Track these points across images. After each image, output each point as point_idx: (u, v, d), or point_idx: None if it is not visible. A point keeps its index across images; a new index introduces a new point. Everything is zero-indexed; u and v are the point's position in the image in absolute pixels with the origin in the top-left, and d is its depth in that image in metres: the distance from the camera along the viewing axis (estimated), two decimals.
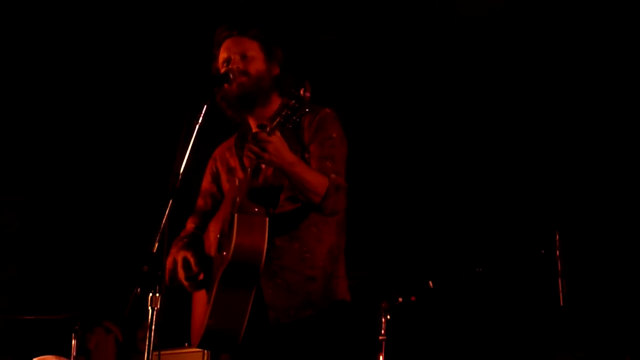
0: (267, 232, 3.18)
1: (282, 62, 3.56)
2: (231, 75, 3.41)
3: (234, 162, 3.60)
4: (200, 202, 3.72)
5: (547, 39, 6.19)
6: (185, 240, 3.59)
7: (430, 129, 6.44)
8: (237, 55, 3.47)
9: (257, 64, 3.49)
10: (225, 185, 3.61)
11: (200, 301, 3.45)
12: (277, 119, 3.05)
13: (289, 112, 3.03)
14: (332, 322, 3.39)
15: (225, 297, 3.24)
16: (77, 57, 6.84)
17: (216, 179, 3.68)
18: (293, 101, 3.02)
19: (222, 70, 3.49)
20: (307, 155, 3.39)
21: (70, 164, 7.09)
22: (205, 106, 3.24)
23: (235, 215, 3.19)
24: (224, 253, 3.25)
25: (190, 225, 3.70)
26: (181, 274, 3.40)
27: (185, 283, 3.41)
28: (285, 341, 3.32)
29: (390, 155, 6.50)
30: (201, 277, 3.40)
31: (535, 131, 6.17)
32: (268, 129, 3.06)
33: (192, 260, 3.39)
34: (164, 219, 3.06)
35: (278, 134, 3.08)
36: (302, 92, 3.01)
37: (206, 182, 3.71)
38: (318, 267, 3.39)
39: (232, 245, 3.15)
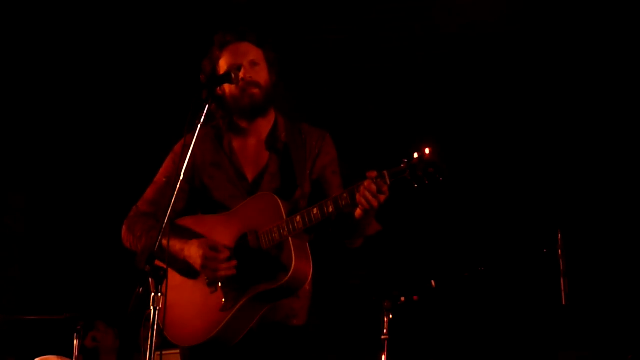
0: (311, 258, 3.29)
1: (277, 68, 3.57)
2: (233, 75, 3.39)
3: (218, 157, 3.55)
4: (161, 183, 3.59)
5: (547, 39, 6.19)
6: (170, 226, 3.37)
7: (433, 128, 6.43)
8: (247, 63, 3.46)
9: (265, 73, 3.49)
10: (205, 179, 3.52)
11: (192, 301, 3.39)
12: (403, 176, 3.06)
13: (420, 174, 3.03)
14: (307, 336, 3.45)
15: (248, 309, 3.29)
16: (77, 58, 6.84)
17: (190, 169, 3.54)
18: (432, 169, 3.01)
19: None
20: (313, 170, 3.48)
21: (72, 164, 7.08)
22: (207, 106, 3.24)
23: (290, 239, 3.24)
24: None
25: (149, 208, 3.58)
26: (223, 265, 3.33)
27: (223, 273, 3.32)
28: (266, 348, 3.36)
29: (391, 153, 6.49)
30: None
31: (537, 130, 6.17)
32: (388, 181, 3.08)
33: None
34: (166, 218, 3.05)
35: None
36: (439, 163, 3.00)
37: (173, 170, 3.54)
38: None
39: (291, 271, 3.20)
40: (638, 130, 5.92)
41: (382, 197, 3.10)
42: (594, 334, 5.65)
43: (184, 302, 3.39)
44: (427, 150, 3.04)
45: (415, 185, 3.04)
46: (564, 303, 4.49)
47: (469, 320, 6.05)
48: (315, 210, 3.21)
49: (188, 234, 3.46)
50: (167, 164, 3.62)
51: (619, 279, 5.75)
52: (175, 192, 3.09)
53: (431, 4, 6.47)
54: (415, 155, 3.07)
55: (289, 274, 3.20)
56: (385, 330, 4.69)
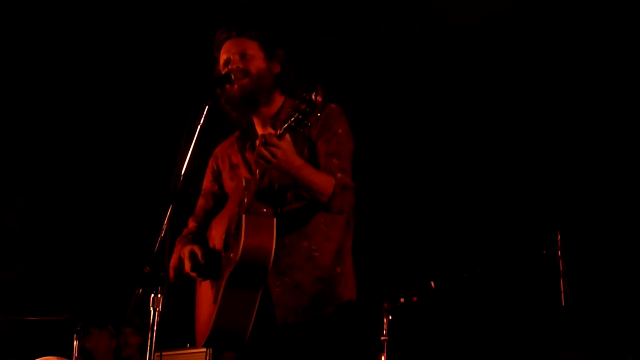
0: (275, 233, 3.19)
1: (283, 60, 3.55)
2: (233, 76, 3.41)
3: (236, 159, 3.59)
4: (201, 201, 3.72)
5: (547, 40, 6.19)
6: (189, 237, 3.61)
7: (432, 129, 6.43)
8: (236, 55, 3.47)
9: (257, 62, 3.48)
10: (228, 182, 3.61)
11: (205, 300, 3.45)
12: (288, 123, 3.01)
13: (300, 117, 2.98)
14: (340, 322, 3.38)
15: (232, 297, 3.24)
16: (77, 59, 6.84)
17: (217, 177, 3.67)
18: (304, 105, 2.97)
19: (224, 72, 3.49)
20: (314, 150, 3.40)
21: (71, 165, 7.09)
22: (207, 107, 3.24)
23: (243, 216, 3.19)
24: (231, 254, 3.25)
25: (192, 224, 3.70)
26: (188, 265, 3.40)
27: (192, 274, 3.41)
28: (291, 340, 3.31)
29: (392, 155, 6.50)
30: (207, 269, 3.41)
31: (536, 131, 6.17)
32: (278, 132, 3.06)
33: (199, 252, 3.40)
34: (166, 220, 3.06)
35: (287, 138, 3.07)
36: (313, 96, 2.97)
37: (207, 181, 3.71)
38: (327, 266, 3.38)
39: (241, 247, 3.14)
40: (637, 131, 5.92)
41: (276, 151, 3.05)
42: (594, 335, 5.65)
43: (203, 302, 3.47)
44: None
45: (308, 123, 3.00)
46: (563, 304, 4.49)
47: (469, 322, 6.05)
48: (251, 180, 3.23)
49: (196, 237, 3.60)
50: (208, 169, 3.71)
51: (619, 280, 5.74)
52: (176, 191, 3.11)
53: (431, 5, 6.47)
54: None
55: (239, 253, 3.15)
56: (384, 332, 4.68)
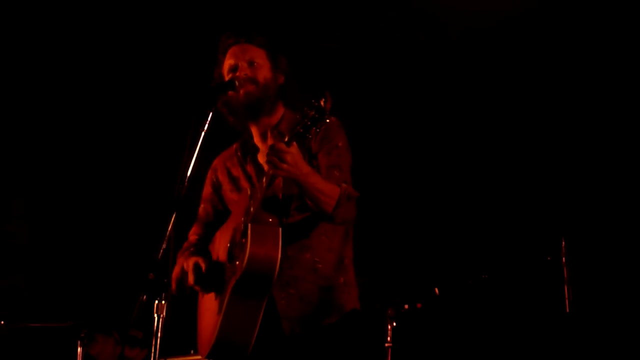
0: (280, 243, 3.20)
1: (286, 70, 3.56)
2: (237, 83, 3.41)
3: (236, 172, 3.59)
4: (201, 212, 3.72)
5: (552, 45, 6.19)
6: (192, 249, 3.60)
7: (436, 136, 6.43)
8: (244, 63, 3.48)
9: (264, 71, 3.49)
10: (228, 194, 3.61)
11: (208, 311, 3.44)
12: (296, 129, 3.01)
13: (309, 123, 2.98)
14: (345, 332, 3.39)
15: (237, 307, 3.24)
16: (81, 64, 6.85)
17: (217, 189, 3.67)
18: (313, 112, 2.97)
19: (228, 77, 3.49)
20: (315, 163, 3.40)
21: (76, 172, 7.10)
22: (211, 114, 3.25)
23: (249, 225, 3.20)
24: (237, 262, 3.25)
25: (192, 236, 3.70)
26: (191, 278, 3.40)
27: (196, 287, 3.41)
28: (299, 352, 3.31)
29: (396, 161, 6.50)
30: (210, 282, 3.41)
31: (540, 138, 6.16)
32: (286, 139, 3.06)
33: (202, 265, 3.40)
34: (170, 227, 3.06)
35: (295, 144, 3.08)
36: (322, 102, 2.98)
37: (206, 193, 3.71)
38: (330, 277, 3.39)
39: (247, 255, 3.15)
40: None
41: (285, 156, 3.05)
42: (598, 342, 5.64)
43: (207, 312, 3.47)
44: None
45: (317, 130, 3.00)
46: (567, 311, 4.49)
47: (473, 328, 6.04)
48: (257, 189, 3.24)
49: (198, 249, 3.61)
50: (207, 181, 3.74)
51: (623, 287, 5.73)
52: (180, 198, 3.11)
53: (435, 11, 6.48)
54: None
55: (245, 261, 3.15)
56: (388, 338, 4.68)
